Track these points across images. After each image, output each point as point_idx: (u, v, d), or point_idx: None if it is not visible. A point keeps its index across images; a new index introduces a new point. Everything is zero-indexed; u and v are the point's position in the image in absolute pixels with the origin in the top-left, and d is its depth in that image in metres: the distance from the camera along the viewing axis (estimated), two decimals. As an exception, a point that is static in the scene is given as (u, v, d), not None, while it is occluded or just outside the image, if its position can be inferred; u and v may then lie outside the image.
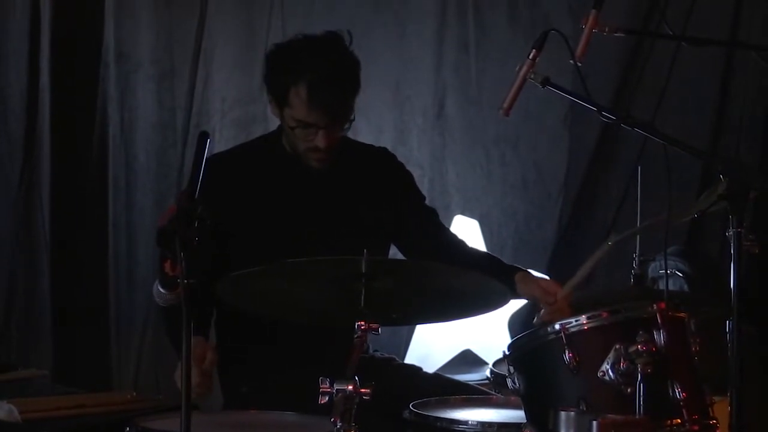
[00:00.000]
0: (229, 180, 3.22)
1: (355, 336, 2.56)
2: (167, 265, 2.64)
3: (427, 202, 3.45)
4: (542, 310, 3.05)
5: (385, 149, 3.48)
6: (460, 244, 3.37)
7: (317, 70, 3.09)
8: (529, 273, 3.18)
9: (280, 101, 3.15)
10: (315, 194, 3.24)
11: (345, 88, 3.15)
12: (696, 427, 2.54)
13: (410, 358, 4.47)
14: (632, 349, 2.51)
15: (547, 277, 3.22)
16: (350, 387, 2.44)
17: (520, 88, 2.79)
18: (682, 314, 2.63)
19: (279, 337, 3.15)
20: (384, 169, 3.37)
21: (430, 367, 4.32)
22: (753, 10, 4.66)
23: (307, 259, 2.62)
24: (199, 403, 2.94)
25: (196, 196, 2.40)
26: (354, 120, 3.19)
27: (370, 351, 3.31)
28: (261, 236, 3.19)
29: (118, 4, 4.66)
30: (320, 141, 3.13)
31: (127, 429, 2.65)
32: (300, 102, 3.10)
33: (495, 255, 3.45)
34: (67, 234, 4.65)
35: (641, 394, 2.49)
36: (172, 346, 3.02)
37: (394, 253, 3.40)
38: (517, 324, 4.43)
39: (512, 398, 2.93)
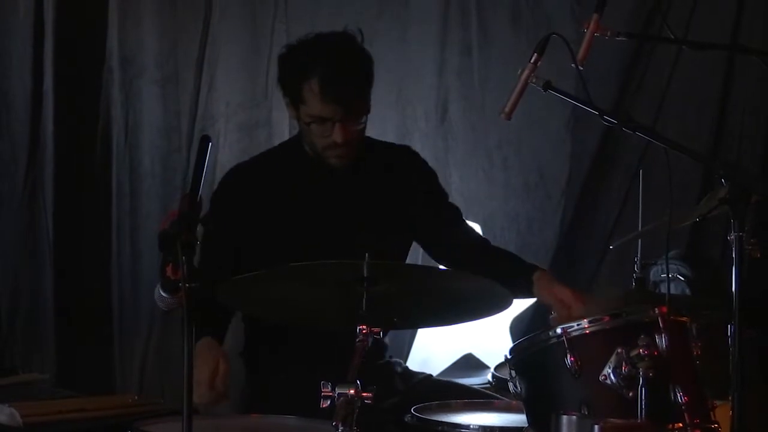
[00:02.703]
0: (254, 190, 3.24)
1: (357, 340, 2.57)
2: (169, 269, 2.65)
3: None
4: (554, 314, 3.05)
5: (407, 147, 3.49)
6: (482, 242, 3.39)
7: (328, 64, 3.10)
8: (547, 275, 3.15)
9: (294, 100, 3.16)
10: (338, 195, 3.25)
11: (357, 80, 3.16)
12: (697, 431, 2.54)
13: (412, 362, 4.47)
14: (634, 353, 2.50)
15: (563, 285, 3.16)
16: (352, 391, 2.44)
17: (521, 92, 2.78)
18: (684, 318, 2.62)
19: (282, 339, 3.16)
20: (407, 166, 3.37)
21: (432, 371, 4.32)
22: (755, 14, 4.66)
23: (308, 262, 2.62)
24: (200, 407, 2.94)
25: (198, 199, 2.40)
26: (370, 112, 3.18)
27: (386, 357, 3.32)
28: (287, 244, 3.19)
29: (122, 8, 4.67)
30: (337, 135, 3.12)
31: (128, 432, 2.66)
32: (313, 97, 3.10)
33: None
34: (71, 238, 4.66)
35: (643, 398, 2.48)
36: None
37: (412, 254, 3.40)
38: (518, 328, 4.43)
39: (514, 402, 2.93)
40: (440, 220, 3.34)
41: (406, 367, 3.42)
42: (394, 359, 3.38)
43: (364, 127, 3.20)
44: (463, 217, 3.43)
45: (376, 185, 3.28)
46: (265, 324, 3.13)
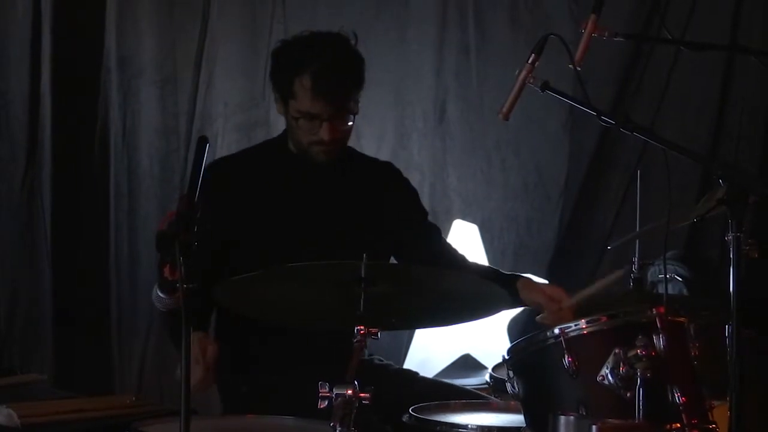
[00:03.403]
0: (235, 182, 3.25)
1: (355, 340, 2.57)
2: (166, 270, 2.65)
3: (427, 206, 3.45)
4: (542, 314, 3.06)
5: (390, 164, 3.50)
6: (460, 260, 3.38)
7: (321, 61, 3.13)
8: (531, 279, 3.19)
9: (284, 94, 3.18)
10: (320, 197, 3.26)
11: (349, 80, 3.18)
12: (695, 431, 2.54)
13: (410, 363, 4.47)
14: (631, 353, 2.50)
15: (547, 283, 3.22)
16: (349, 391, 2.44)
17: (519, 92, 2.79)
18: (682, 318, 2.62)
19: (279, 339, 3.16)
20: (388, 182, 3.39)
21: (430, 371, 4.32)
22: (753, 15, 4.66)
23: (306, 263, 2.63)
24: (197, 408, 2.94)
25: (196, 200, 2.40)
26: (358, 113, 3.20)
27: (366, 354, 3.32)
28: (265, 238, 3.20)
29: (120, 9, 4.67)
30: (324, 133, 3.14)
31: (126, 433, 2.66)
32: (304, 92, 3.12)
33: (496, 260, 3.46)
34: (69, 239, 4.66)
35: (641, 398, 2.48)
36: (174, 347, 3.03)
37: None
38: (516, 328, 4.43)
39: (512, 403, 2.93)
40: (419, 237, 3.35)
41: (390, 363, 3.42)
42: (373, 356, 3.38)
43: (351, 127, 3.22)
44: (443, 236, 3.45)
45: (358, 189, 3.30)
46: (263, 324, 3.13)
